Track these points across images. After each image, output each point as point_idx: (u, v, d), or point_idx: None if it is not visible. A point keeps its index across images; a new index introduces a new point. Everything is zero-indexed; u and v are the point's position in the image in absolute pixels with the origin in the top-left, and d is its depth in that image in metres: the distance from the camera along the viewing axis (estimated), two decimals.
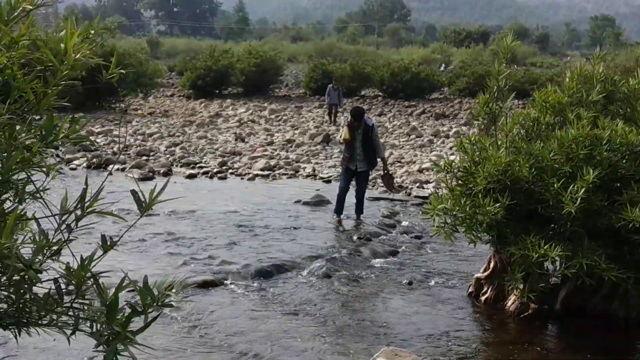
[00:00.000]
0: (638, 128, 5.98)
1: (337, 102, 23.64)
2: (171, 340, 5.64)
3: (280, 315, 6.39)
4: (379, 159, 10.33)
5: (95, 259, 2.16)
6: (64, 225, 2.23)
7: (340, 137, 10.16)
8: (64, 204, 2.27)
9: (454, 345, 5.89)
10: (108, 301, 2.08)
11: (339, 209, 10.36)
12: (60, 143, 2.29)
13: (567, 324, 6.49)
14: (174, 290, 2.08)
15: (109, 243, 2.22)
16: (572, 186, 5.67)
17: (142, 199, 2.19)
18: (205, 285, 7.02)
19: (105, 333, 2.11)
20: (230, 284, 7.20)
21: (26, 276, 2.09)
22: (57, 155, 14.53)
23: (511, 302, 6.73)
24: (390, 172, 10.88)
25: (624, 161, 5.97)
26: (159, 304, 2.05)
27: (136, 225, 8.92)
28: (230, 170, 15.02)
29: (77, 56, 2.14)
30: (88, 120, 2.79)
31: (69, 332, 2.29)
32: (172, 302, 1.96)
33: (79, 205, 2.20)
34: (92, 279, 2.12)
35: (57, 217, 2.24)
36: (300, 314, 6.44)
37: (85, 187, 2.26)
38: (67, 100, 2.40)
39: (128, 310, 2.11)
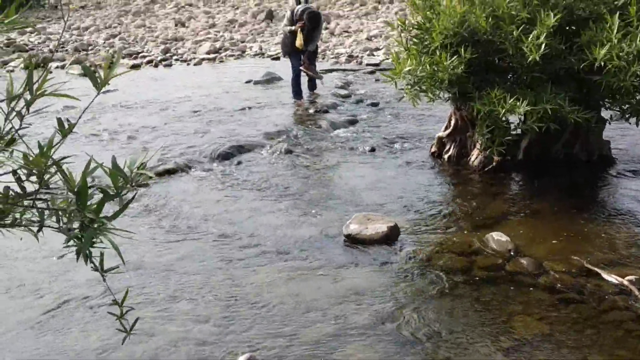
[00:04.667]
0: None
1: None
2: (140, 230, 5.50)
3: (248, 195, 6.28)
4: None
5: (55, 145, 1.98)
6: (13, 113, 2.03)
7: (294, 41, 9.80)
8: (10, 90, 2.05)
9: (423, 203, 5.92)
10: (76, 188, 1.92)
11: (297, 92, 10.13)
12: None
13: (530, 171, 6.57)
14: (147, 169, 1.92)
15: (66, 127, 2.04)
16: (533, 32, 5.55)
17: (97, 74, 1.99)
18: (167, 173, 6.84)
19: (77, 224, 1.96)
20: (192, 170, 7.04)
21: None
22: None
23: (474, 157, 6.76)
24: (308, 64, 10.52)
25: (579, 2, 5.85)
26: (133, 184, 1.90)
27: (90, 118, 8.45)
28: (175, 57, 14.52)
29: None
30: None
31: (35, 229, 2.14)
32: (146, 182, 1.80)
33: (28, 88, 2.00)
34: (54, 166, 1.94)
35: (5, 104, 2.03)
36: (267, 192, 6.35)
37: (30, 69, 2.05)
38: None
39: (99, 196, 1.96)
